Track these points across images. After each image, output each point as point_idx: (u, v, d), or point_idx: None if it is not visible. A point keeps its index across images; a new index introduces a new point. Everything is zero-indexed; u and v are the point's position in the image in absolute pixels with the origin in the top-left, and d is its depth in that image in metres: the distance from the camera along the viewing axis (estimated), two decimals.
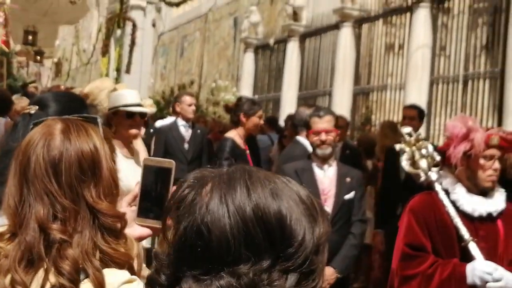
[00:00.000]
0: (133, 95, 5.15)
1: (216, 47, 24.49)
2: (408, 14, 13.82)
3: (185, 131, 8.75)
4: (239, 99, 8.16)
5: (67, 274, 1.84)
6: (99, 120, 2.11)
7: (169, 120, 10.99)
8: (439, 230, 4.19)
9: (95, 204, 1.95)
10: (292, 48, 18.01)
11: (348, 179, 5.37)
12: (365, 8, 15.42)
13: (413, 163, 4.53)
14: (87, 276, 1.87)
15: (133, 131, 5.03)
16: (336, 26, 16.04)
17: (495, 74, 11.56)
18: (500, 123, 11.10)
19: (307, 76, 17.67)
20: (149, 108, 7.45)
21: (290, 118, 11.33)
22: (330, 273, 5.17)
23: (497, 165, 4.16)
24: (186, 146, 8.62)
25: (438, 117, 12.83)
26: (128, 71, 29.32)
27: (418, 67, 13.04)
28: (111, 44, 32.00)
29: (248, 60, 20.72)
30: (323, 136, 5.25)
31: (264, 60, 20.16)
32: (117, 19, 30.15)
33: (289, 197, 1.32)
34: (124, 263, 1.95)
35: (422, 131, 12.10)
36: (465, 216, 4.18)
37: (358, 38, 15.59)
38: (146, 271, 2.33)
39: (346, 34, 15.59)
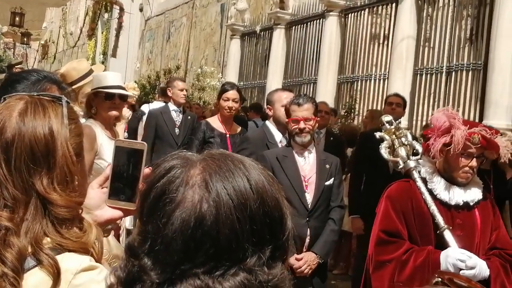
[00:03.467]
0: (114, 77, 5.11)
1: (202, 33, 24.45)
2: (393, 5, 13.88)
3: (176, 116, 8.84)
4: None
5: (10, 263, 1.74)
6: (64, 100, 1.96)
7: (157, 104, 11.03)
8: (416, 217, 4.20)
9: (46, 194, 1.83)
10: (278, 36, 18.03)
11: (327, 166, 5.36)
12: None
13: (393, 151, 4.55)
14: (37, 265, 1.77)
15: (113, 112, 5.01)
16: (322, 15, 16.09)
17: (478, 66, 11.65)
18: (481, 114, 11.21)
19: (292, 64, 17.70)
20: (131, 91, 7.45)
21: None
22: (312, 258, 5.19)
23: (474, 163, 4.17)
24: (176, 130, 8.72)
25: (421, 107, 12.93)
26: (114, 55, 29.24)
27: (403, 57, 13.11)
28: (98, 28, 31.86)
29: (234, 47, 20.71)
30: (302, 125, 5.20)
31: (250, 47, 20.16)
32: (105, 3, 30.02)
33: (268, 177, 1.32)
34: (80, 251, 1.84)
35: (405, 120, 12.21)
36: (442, 205, 4.20)
37: (343, 27, 15.63)
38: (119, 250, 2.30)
39: (332, 23, 15.63)
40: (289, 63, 17.81)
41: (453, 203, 4.21)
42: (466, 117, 11.79)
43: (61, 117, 1.91)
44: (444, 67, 12.53)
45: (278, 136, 5.80)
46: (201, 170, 1.28)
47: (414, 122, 12.82)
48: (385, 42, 14.52)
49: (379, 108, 13.26)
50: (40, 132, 1.85)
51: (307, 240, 5.24)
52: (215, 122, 6.77)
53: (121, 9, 28.76)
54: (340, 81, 15.61)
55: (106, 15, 30.54)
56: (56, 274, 1.76)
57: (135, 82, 19.90)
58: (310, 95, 15.53)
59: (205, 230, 1.22)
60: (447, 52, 12.57)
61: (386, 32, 14.53)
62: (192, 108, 12.76)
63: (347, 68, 15.63)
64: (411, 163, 4.39)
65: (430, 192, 4.22)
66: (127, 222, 6.28)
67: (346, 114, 14.49)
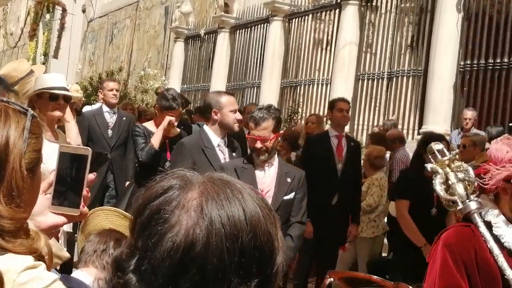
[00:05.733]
0: (58, 78, 5.08)
1: (146, 35, 24.31)
2: (336, 11, 14.05)
3: (109, 117, 8.57)
4: (167, 90, 7.97)
5: None
6: (30, 113, 1.91)
7: (96, 106, 10.92)
8: (480, 270, 3.53)
9: None
10: (222, 39, 18.06)
11: (288, 179, 5.15)
12: (296, 3, 15.59)
13: (447, 187, 3.78)
14: None
15: (56, 113, 4.97)
16: (267, 20, 16.18)
17: (418, 72, 11.88)
18: (421, 120, 11.43)
19: (236, 68, 17.74)
20: (74, 93, 7.33)
21: None
22: None
23: None
24: (109, 132, 8.44)
25: (362, 113, 13.10)
26: (56, 56, 28.84)
27: (345, 63, 13.29)
28: (39, 28, 31.39)
29: (178, 50, 20.66)
30: (258, 144, 4.99)
31: (194, 50, 20.13)
32: (47, 3, 29.58)
33: (267, 213, 1.30)
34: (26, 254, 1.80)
35: (347, 126, 12.35)
36: (510, 255, 3.50)
37: (287, 32, 15.75)
38: (64, 252, 2.29)
39: (275, 28, 15.74)
40: (233, 67, 17.85)
41: None
42: (406, 123, 12.01)
43: (22, 129, 1.85)
44: (386, 73, 12.73)
45: (215, 140, 5.57)
46: (199, 194, 1.26)
47: (355, 127, 12.98)
48: (328, 48, 14.67)
49: (321, 112, 13.40)
50: None
51: None
52: (150, 126, 6.56)
53: (64, 10, 28.41)
54: (284, 85, 15.71)
55: (48, 16, 30.10)
56: None
57: (77, 84, 19.68)
58: (254, 99, 15.69)
59: (194, 256, 1.21)
60: (389, 58, 12.78)
61: (329, 37, 14.69)
62: (135, 111, 12.63)
63: (290, 73, 15.73)
64: (473, 204, 3.64)
65: (496, 239, 3.52)
66: (66, 225, 6.19)
67: (289, 118, 14.58)
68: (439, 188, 3.80)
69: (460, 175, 3.78)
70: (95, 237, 3.29)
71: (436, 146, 3.98)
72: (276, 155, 5.23)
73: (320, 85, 14.60)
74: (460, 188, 3.71)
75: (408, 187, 6.30)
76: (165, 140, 6.33)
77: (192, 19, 20.39)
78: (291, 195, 5.13)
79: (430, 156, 4.02)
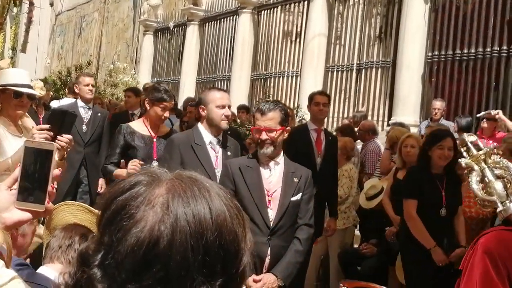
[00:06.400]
0: (23, 75, 5.04)
1: (115, 29, 24.16)
2: (305, 3, 14.07)
3: (84, 113, 8.44)
4: (157, 83, 7.68)
5: None
6: None
7: (67, 100, 10.80)
8: None
9: None
10: (192, 32, 18.00)
11: (295, 179, 4.87)
12: None
13: (485, 186, 3.48)
14: None
15: (19, 110, 4.95)
16: (236, 12, 16.15)
17: (387, 63, 11.94)
18: (390, 111, 11.49)
19: (206, 61, 17.70)
20: (38, 90, 7.24)
21: (187, 101, 11.43)
22: (271, 280, 4.74)
23: None
24: (84, 128, 8.33)
25: (332, 104, 13.12)
26: (24, 50, 28.57)
27: (314, 55, 13.32)
28: (6, 22, 31.02)
29: (147, 43, 20.56)
30: (263, 135, 4.74)
31: (163, 43, 20.05)
32: None
33: (234, 213, 1.29)
34: None
35: None
36: None
37: (256, 24, 15.73)
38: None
39: (245, 20, 15.71)
40: (203, 60, 17.81)
41: None
42: (375, 114, 12.06)
43: None
44: (355, 65, 12.78)
45: (207, 137, 5.31)
46: (166, 191, 1.25)
47: (326, 119, 13.00)
48: (298, 40, 14.68)
49: (291, 105, 13.43)
50: None
51: (267, 260, 4.79)
52: (138, 125, 6.11)
53: (31, 4, 28.09)
54: (254, 78, 15.71)
55: (15, 10, 29.76)
56: None
57: (46, 78, 19.52)
58: (274, 100, 15.64)
59: (158, 252, 1.20)
60: (357, 49, 12.82)
61: (299, 29, 14.70)
62: (104, 105, 12.55)
63: (260, 65, 15.73)
64: None
65: None
66: None
67: None
68: (476, 187, 3.50)
69: (498, 172, 3.47)
70: (60, 232, 3.26)
71: (470, 137, 3.74)
72: (282, 154, 4.97)
73: (290, 77, 14.62)
74: (499, 187, 3.39)
75: (416, 186, 5.90)
76: (153, 139, 6.04)
77: (161, 12, 20.30)
78: (298, 196, 4.88)
79: (462, 150, 3.75)
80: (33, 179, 1.99)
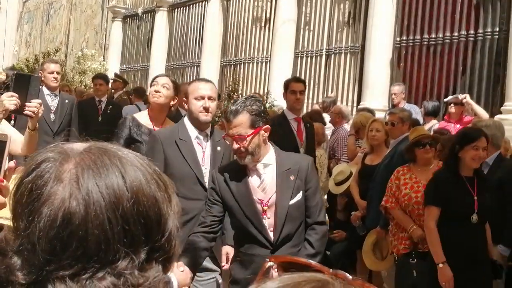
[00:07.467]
0: None
1: (83, 15, 23.93)
2: None
3: (52, 101, 8.11)
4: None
5: None
6: None
7: None
8: None
9: None
10: (161, 18, 17.89)
11: (292, 177, 4.25)
12: None
13: None
14: None
15: None
16: None
17: (356, 49, 11.97)
18: (360, 95, 11.53)
19: (175, 47, 17.62)
20: None
21: None
22: None
23: None
24: (52, 116, 8.02)
25: None
26: None
27: (284, 40, 13.30)
28: None
29: (116, 30, 20.40)
30: (234, 145, 4.15)
31: (132, 30, 19.91)
32: None
33: (152, 178, 1.24)
34: None
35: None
36: None
37: (226, 10, 15.68)
38: None
39: (214, 6, 15.66)
40: (172, 46, 17.72)
41: None
42: (345, 99, 12.10)
43: None
44: (324, 50, 12.79)
45: (193, 132, 4.93)
46: (74, 165, 1.19)
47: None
48: (267, 26, 14.66)
49: (261, 90, 13.42)
50: None
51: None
52: (142, 117, 5.77)
53: None
54: (223, 64, 15.68)
55: None
56: None
57: (13, 66, 19.30)
58: (195, 77, 15.60)
59: (73, 229, 1.14)
60: (327, 35, 12.82)
61: (268, 15, 14.67)
62: (72, 92, 12.42)
63: (230, 51, 15.70)
64: None
65: None
66: None
67: (229, 96, 14.55)
68: None
69: None
70: None
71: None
72: (271, 150, 4.32)
73: (259, 63, 14.61)
74: None
75: (442, 192, 5.35)
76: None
77: None
78: (299, 196, 4.25)
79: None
80: None
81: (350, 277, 1.05)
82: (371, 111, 9.04)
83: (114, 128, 10.03)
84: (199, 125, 4.90)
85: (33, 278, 1.15)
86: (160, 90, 5.65)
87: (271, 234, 4.19)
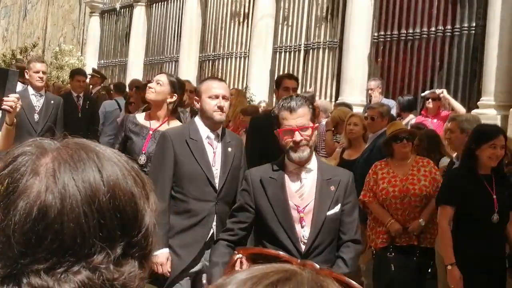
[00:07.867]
0: None
1: (60, 10, 23.78)
2: None
3: (36, 101, 7.98)
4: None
5: None
6: None
7: (18, 87, 10.57)
8: None
9: None
10: (139, 13, 17.83)
11: (332, 188, 4.07)
12: None
13: None
14: None
15: None
16: None
17: (334, 44, 11.99)
18: (338, 91, 11.56)
19: (153, 42, 17.57)
20: None
21: (132, 83, 11.35)
22: None
23: None
24: (36, 117, 7.90)
25: None
26: None
27: (262, 35, 13.31)
28: None
29: (94, 25, 20.30)
30: (297, 136, 3.96)
31: (110, 25, 19.82)
32: None
33: (130, 174, 1.24)
34: None
35: (267, 99, 12.40)
36: None
37: (204, 5, 15.65)
38: None
39: (192, 1, 15.64)
40: (150, 41, 17.68)
41: None
42: (323, 94, 12.13)
43: None
44: (302, 45, 12.80)
45: (204, 132, 4.85)
46: (51, 159, 1.19)
47: (274, 100, 13.02)
48: (245, 21, 14.66)
49: (240, 86, 13.42)
50: None
51: None
52: (141, 116, 5.70)
53: None
54: (202, 59, 15.65)
55: None
56: None
57: None
58: (173, 73, 15.58)
59: (48, 223, 1.14)
60: (305, 30, 12.84)
61: (246, 10, 14.67)
62: (50, 88, 12.35)
63: (208, 46, 15.68)
64: None
65: None
66: None
67: None
68: None
69: None
70: None
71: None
72: (314, 157, 4.16)
73: (238, 59, 14.60)
74: None
75: (457, 191, 5.20)
76: (149, 131, 5.51)
77: None
78: (337, 208, 4.08)
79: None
80: None
81: (318, 266, 1.06)
82: (349, 106, 9.08)
83: (92, 124, 10.00)
84: (212, 125, 4.83)
85: (7, 271, 1.15)
86: (152, 86, 5.62)
87: (302, 246, 4.02)
